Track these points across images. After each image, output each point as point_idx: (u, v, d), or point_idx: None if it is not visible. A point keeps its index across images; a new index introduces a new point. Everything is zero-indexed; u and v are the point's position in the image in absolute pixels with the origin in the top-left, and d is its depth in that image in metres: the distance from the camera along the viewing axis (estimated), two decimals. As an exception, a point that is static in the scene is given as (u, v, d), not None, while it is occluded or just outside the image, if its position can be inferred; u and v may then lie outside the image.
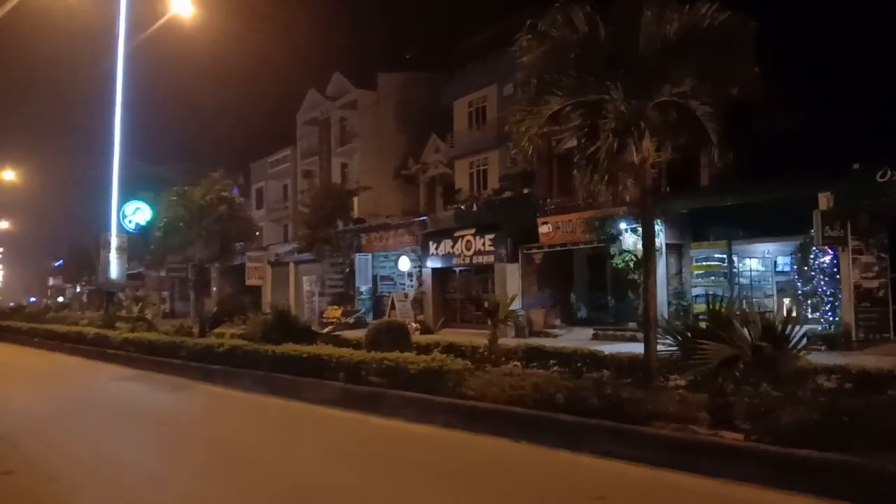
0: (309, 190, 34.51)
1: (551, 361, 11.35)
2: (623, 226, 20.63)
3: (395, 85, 38.98)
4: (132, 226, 24.68)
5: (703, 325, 19.93)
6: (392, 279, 33.11)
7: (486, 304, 11.80)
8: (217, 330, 17.09)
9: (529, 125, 9.01)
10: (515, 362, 11.60)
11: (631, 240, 20.35)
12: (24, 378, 16.52)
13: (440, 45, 42.51)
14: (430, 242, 27.73)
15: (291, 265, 37.15)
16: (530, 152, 9.29)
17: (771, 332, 7.33)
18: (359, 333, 14.58)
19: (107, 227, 24.22)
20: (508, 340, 13.52)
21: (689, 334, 7.72)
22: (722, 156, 9.43)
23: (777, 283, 23.39)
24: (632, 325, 21.42)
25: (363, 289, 32.50)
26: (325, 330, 15.14)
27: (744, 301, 22.13)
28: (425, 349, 12.53)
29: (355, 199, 36.15)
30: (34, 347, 23.67)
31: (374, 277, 33.23)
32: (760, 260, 22.74)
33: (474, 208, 29.39)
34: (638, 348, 13.49)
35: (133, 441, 8.93)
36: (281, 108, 47.41)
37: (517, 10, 33.77)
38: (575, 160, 9.77)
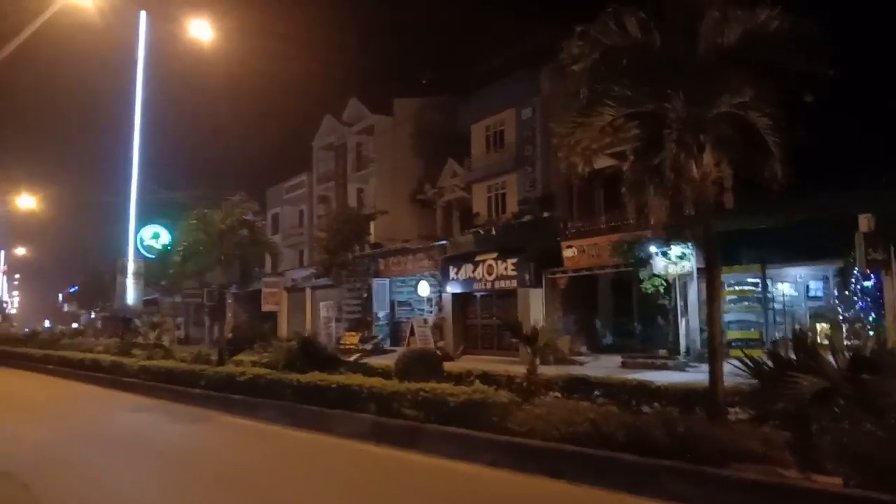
0: (326, 215, 33.96)
1: (595, 392, 10.53)
2: (653, 249, 19.85)
3: (411, 110, 38.63)
4: (150, 251, 24.12)
5: (735, 352, 18.97)
6: (410, 304, 32.39)
7: (523, 331, 11.02)
8: (236, 357, 16.33)
9: (580, 138, 8.28)
10: (556, 393, 10.80)
11: (661, 264, 19.58)
12: (37, 408, 15.79)
13: (456, 69, 42.20)
14: (451, 267, 27.03)
15: (308, 291, 36.53)
16: (581, 167, 8.54)
17: (863, 361, 6.55)
18: (384, 361, 13.80)
19: (123, 253, 23.68)
20: (546, 369, 12.69)
21: (769, 364, 6.90)
22: (785, 171, 8.67)
23: (809, 307, 22.52)
24: (662, 352, 20.58)
25: (381, 314, 31.78)
26: (353, 358, 14.35)
27: (783, 328, 21.40)
28: (457, 378, 11.73)
29: (372, 224, 35.52)
30: (48, 375, 23.00)
31: (392, 303, 32.53)
32: (792, 285, 21.88)
33: (493, 232, 28.71)
34: (671, 377, 12.66)
35: (148, 481, 8.17)
36: (296, 133, 47.04)
37: (531, 34, 33.60)
38: (625, 177, 8.99)
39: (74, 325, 62.94)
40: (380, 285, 32.16)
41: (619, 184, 26.32)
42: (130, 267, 22.83)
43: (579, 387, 10.83)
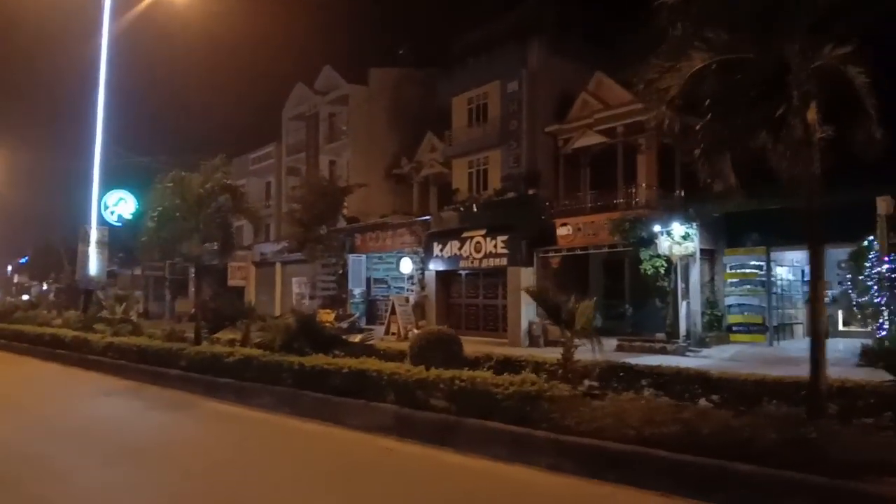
0: (301, 186, 32.10)
1: (642, 382, 9.30)
2: (657, 228, 18.74)
3: (387, 81, 36.86)
4: (115, 218, 22.10)
5: (736, 337, 17.91)
6: (386, 282, 30.91)
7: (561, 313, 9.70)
8: (213, 336, 14.73)
9: (669, 84, 6.95)
10: (592, 382, 9.55)
11: (666, 243, 18.48)
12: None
13: (435, 41, 40.48)
14: (435, 243, 25.62)
15: (278, 265, 34.72)
16: (667, 120, 7.21)
17: None
18: (389, 343, 12.42)
19: (85, 220, 21.65)
20: (539, 352, 11.49)
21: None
22: (883, 135, 7.51)
23: (805, 292, 21.77)
24: (659, 335, 19.58)
25: (356, 292, 30.23)
26: (357, 338, 12.89)
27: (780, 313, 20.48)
28: (472, 364, 10.43)
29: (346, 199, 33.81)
30: (1, 350, 20.96)
31: (368, 280, 30.99)
32: (790, 269, 21.09)
33: (474, 209, 27.35)
34: (673, 362, 11.46)
35: (128, 485, 6.66)
36: (265, 102, 44.81)
37: (518, 5, 32.11)
38: (700, 137, 7.67)
39: (25, 297, 59.77)
40: (355, 261, 30.59)
41: (607, 161, 25.10)
42: (94, 235, 20.83)
43: (623, 376, 9.60)
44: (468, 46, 32.01)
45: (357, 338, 12.64)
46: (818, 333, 7.00)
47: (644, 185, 23.59)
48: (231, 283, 35.54)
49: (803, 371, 12.55)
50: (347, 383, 9.48)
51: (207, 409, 10.87)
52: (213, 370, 11.93)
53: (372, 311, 30.59)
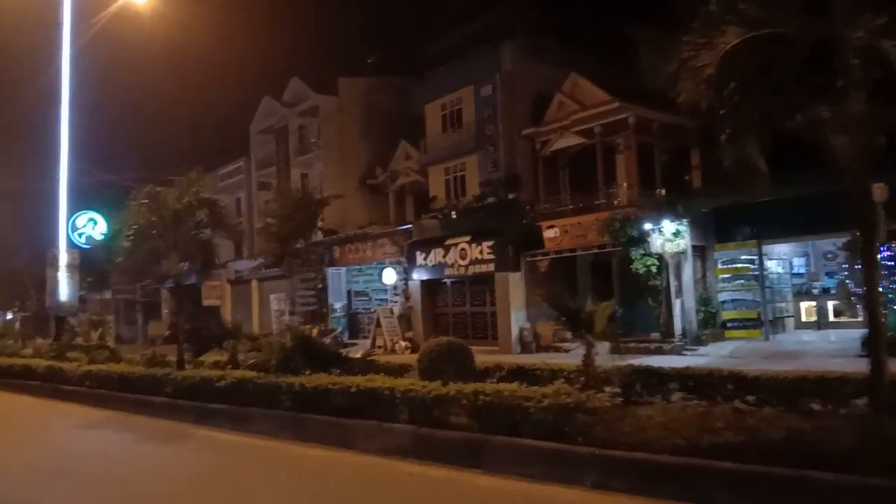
0: (275, 200, 31.23)
1: (670, 385, 8.73)
2: (648, 226, 18.31)
3: (357, 90, 36.18)
4: (83, 240, 21.01)
5: (731, 333, 17.38)
6: (367, 294, 30.14)
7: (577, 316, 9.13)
8: (197, 359, 13.88)
9: (705, 62, 6.40)
10: (614, 388, 8.96)
11: (658, 241, 18.06)
12: (-39, 427, 12.94)
13: (404, 49, 39.80)
14: (418, 252, 24.93)
15: (254, 283, 33.71)
16: (705, 98, 6.66)
17: None
18: (391, 358, 11.72)
19: (53, 243, 20.52)
20: (528, 358, 10.92)
21: None
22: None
23: (794, 285, 21.60)
24: (654, 335, 19.13)
25: (337, 306, 29.40)
26: (359, 354, 12.14)
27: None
28: (483, 375, 9.80)
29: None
30: (-32, 385, 19.76)
31: (349, 293, 30.18)
32: (778, 262, 20.82)
33: (453, 216, 26.75)
34: (671, 362, 10.93)
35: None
36: (231, 117, 43.59)
37: (488, 10, 31.70)
38: (724, 123, 7.14)
39: (-12, 328, 57.51)
40: (335, 275, 29.78)
41: (586, 162, 24.52)
42: (63, 259, 19.73)
43: (648, 381, 9.00)
44: (439, 52, 31.48)
45: (358, 353, 11.89)
46: (878, 326, 6.50)
47: (625, 184, 23.25)
48: (206, 302, 34.40)
49: (805, 364, 12.15)
50: (354, 403, 8.78)
51: (202, 438, 10.07)
52: (203, 396, 11.13)
53: (354, 324, 29.79)
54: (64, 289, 19.77)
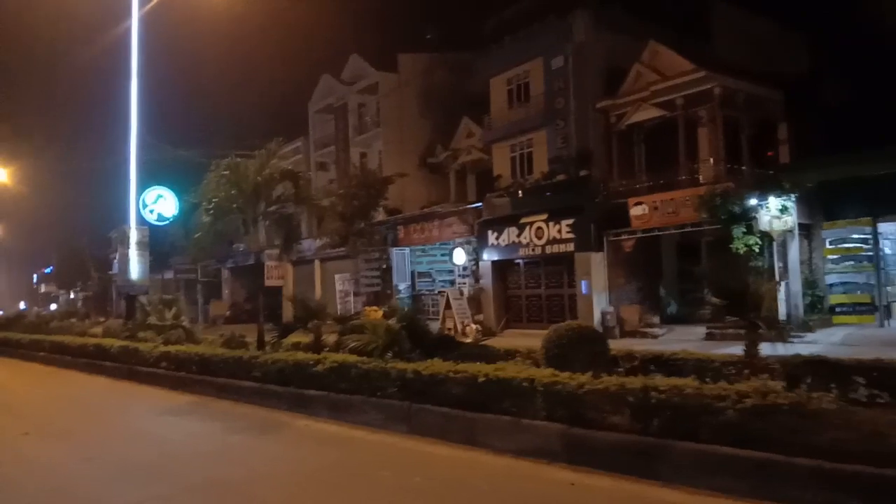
0: (338, 179, 30.28)
1: (857, 380, 7.28)
2: (753, 201, 16.69)
3: (418, 67, 34.96)
4: (154, 216, 20.24)
5: (839, 318, 15.59)
6: (430, 276, 29.05)
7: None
8: (285, 340, 12.85)
9: None
10: (779, 383, 7.56)
11: (766, 218, 16.44)
12: (37, 413, 12.09)
13: (467, 23, 38.39)
14: (490, 231, 23.65)
15: (317, 263, 32.84)
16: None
17: None
18: (502, 341, 10.49)
19: (117, 222, 19.74)
20: (614, 343, 9.49)
21: None
22: None
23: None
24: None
25: (401, 286, 28.33)
26: (469, 338, 10.95)
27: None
28: (613, 363, 8.50)
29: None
30: (41, 363, 19.22)
31: (412, 274, 29.10)
32: (891, 241, 18.95)
33: (520, 194, 25.33)
34: (779, 349, 9.41)
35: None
36: (291, 98, 42.79)
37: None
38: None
39: (53, 307, 58.24)
40: (399, 255, 28.68)
41: (663, 136, 22.78)
42: (133, 236, 18.96)
43: (818, 372, 7.58)
44: (504, 24, 30.04)
45: (468, 338, 10.68)
46: None
47: (711, 159, 21.61)
48: (268, 283, 33.51)
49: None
50: (480, 395, 7.57)
51: (300, 429, 8.98)
52: (296, 381, 10.06)
53: (417, 306, 28.68)
54: (135, 267, 19.03)
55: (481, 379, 7.53)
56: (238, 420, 9.80)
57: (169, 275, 40.06)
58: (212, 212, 12.80)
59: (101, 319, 36.67)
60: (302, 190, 13.75)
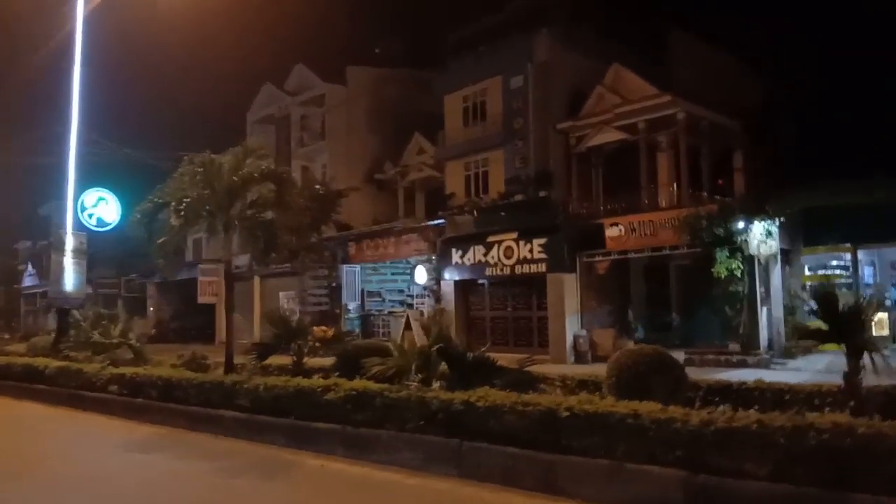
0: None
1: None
2: (741, 225, 16.14)
3: (366, 81, 33.55)
4: (94, 221, 17.84)
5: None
6: (380, 295, 27.51)
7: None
8: (260, 363, 11.12)
9: None
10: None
11: (754, 242, 15.89)
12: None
13: (425, 38, 37.33)
14: (454, 250, 22.38)
15: (256, 279, 30.62)
16: None
17: None
18: (552, 369, 9.22)
19: (59, 224, 17.24)
20: (584, 369, 8.57)
21: None
22: None
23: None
24: (733, 346, 16.94)
25: (351, 306, 26.63)
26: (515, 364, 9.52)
27: None
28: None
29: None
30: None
31: (362, 293, 27.45)
32: (871, 269, 18.90)
33: (474, 215, 24.27)
34: (760, 377, 8.68)
35: None
36: (231, 107, 40.54)
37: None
38: None
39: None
40: (349, 272, 26.99)
41: (622, 160, 22.21)
42: (69, 243, 16.51)
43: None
44: (464, 42, 29.11)
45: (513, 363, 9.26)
46: None
47: (675, 184, 21.23)
48: (201, 300, 31.20)
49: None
50: (550, 430, 6.26)
51: (315, 470, 7.37)
52: (298, 411, 8.42)
53: (367, 327, 27.05)
54: (70, 277, 16.61)
55: (563, 413, 6.20)
56: (228, 458, 8.07)
57: (88, 289, 36.71)
58: (182, 214, 10.98)
59: (6, 336, 33.09)
60: (285, 193, 12.09)
